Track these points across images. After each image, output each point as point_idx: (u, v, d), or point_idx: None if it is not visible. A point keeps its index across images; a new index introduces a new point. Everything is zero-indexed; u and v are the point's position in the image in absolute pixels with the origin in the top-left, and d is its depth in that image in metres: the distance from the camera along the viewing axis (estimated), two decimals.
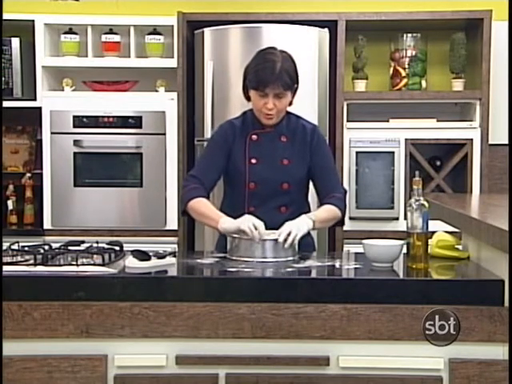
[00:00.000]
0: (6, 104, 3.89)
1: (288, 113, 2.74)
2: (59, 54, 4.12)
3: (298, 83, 2.68)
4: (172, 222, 3.95)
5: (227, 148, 2.70)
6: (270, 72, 2.56)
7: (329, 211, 2.68)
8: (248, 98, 2.71)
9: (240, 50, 3.78)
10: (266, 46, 2.73)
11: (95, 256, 2.32)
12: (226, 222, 2.52)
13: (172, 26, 3.95)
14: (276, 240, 2.43)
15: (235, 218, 2.52)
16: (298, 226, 2.49)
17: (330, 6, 4.09)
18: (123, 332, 2.08)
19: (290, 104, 2.71)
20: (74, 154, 3.96)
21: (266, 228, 2.48)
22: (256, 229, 2.42)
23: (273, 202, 2.69)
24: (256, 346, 2.08)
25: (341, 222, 2.77)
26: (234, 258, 2.45)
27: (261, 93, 2.59)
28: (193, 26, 3.97)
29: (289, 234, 2.44)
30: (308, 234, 2.62)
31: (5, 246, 2.41)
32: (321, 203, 2.74)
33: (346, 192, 2.78)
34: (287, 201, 2.71)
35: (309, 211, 2.72)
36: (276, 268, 2.32)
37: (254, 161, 2.69)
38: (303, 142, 2.72)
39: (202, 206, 2.62)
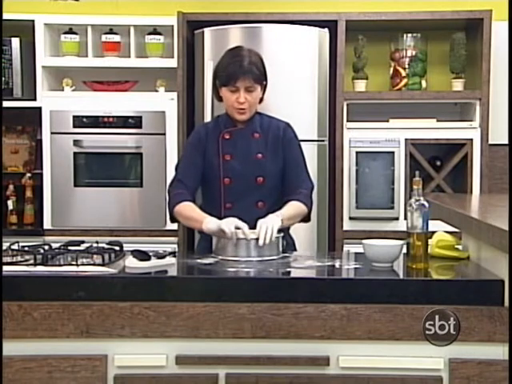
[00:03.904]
0: (5, 104, 3.88)
1: (260, 114, 2.79)
2: (59, 54, 4.12)
3: (266, 80, 2.73)
4: None
5: (202, 148, 2.74)
6: (239, 66, 2.63)
7: (296, 208, 2.69)
8: (219, 99, 2.76)
9: None
10: (233, 46, 2.80)
11: (95, 256, 2.32)
12: (210, 222, 2.53)
13: (172, 26, 3.96)
14: (257, 239, 2.43)
15: (216, 217, 2.55)
16: (271, 222, 2.50)
17: (330, 5, 4.09)
18: (123, 332, 2.08)
19: (261, 101, 2.76)
20: (74, 154, 3.96)
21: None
22: (239, 229, 2.44)
23: (249, 198, 2.71)
24: (256, 346, 2.08)
25: (307, 218, 2.78)
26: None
27: (232, 88, 2.64)
28: (193, 25, 3.97)
29: (266, 232, 2.45)
30: (288, 233, 2.66)
31: (5, 246, 2.41)
32: (287, 198, 2.73)
33: (313, 187, 2.79)
34: (263, 196, 2.73)
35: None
36: (276, 268, 2.32)
37: (227, 157, 2.72)
38: (276, 138, 2.76)
39: (188, 209, 2.66)
